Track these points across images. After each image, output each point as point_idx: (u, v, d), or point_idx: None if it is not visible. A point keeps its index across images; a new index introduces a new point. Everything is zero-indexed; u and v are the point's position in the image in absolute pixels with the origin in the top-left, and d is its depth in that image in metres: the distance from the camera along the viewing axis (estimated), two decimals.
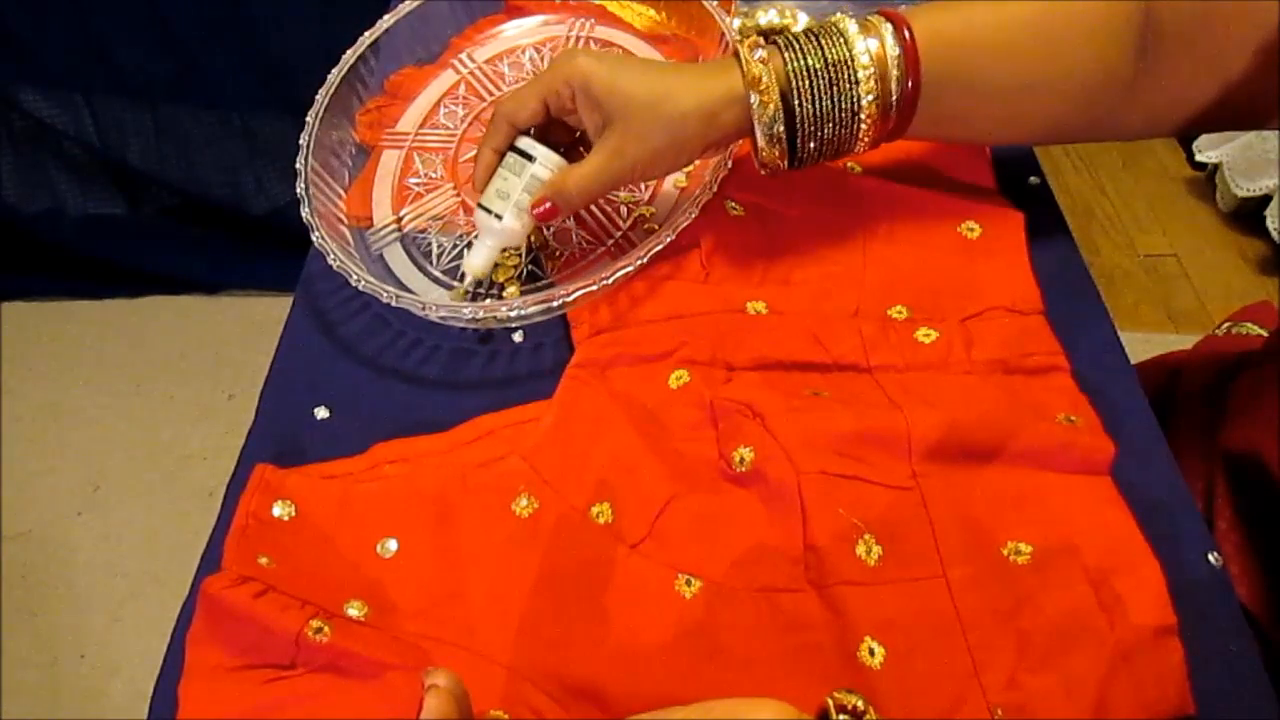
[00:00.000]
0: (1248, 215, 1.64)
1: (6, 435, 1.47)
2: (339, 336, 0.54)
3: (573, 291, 0.47)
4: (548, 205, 0.48)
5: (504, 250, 0.55)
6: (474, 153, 0.60)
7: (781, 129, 0.46)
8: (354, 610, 0.41)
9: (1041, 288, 0.51)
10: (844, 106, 0.46)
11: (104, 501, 1.40)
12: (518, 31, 0.67)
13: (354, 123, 0.62)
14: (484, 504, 0.44)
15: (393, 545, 0.44)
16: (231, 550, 0.43)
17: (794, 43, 0.46)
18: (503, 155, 0.50)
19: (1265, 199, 1.57)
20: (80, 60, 1.35)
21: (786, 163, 0.48)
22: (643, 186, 0.57)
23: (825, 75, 0.45)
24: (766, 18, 0.70)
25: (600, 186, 0.47)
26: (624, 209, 0.56)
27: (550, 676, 0.40)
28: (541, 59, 0.65)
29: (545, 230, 0.56)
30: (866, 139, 0.48)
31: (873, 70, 0.45)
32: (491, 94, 0.64)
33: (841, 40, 0.46)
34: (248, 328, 1.58)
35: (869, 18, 0.47)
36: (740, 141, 0.52)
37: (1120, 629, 0.38)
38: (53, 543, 1.36)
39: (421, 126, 0.63)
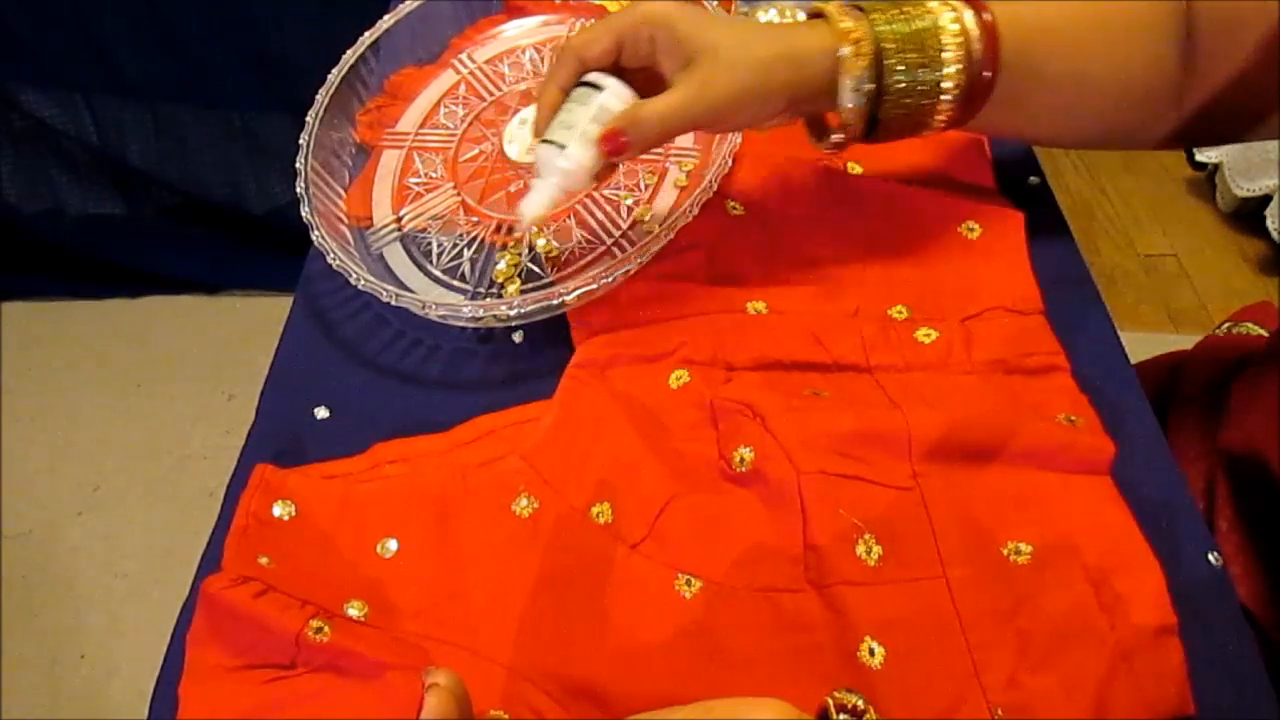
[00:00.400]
0: (1248, 215, 1.64)
1: (6, 435, 1.47)
2: (339, 336, 0.54)
3: (573, 291, 0.47)
4: (622, 138, 0.43)
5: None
6: (474, 152, 0.61)
7: (870, 87, 0.45)
8: (354, 610, 0.41)
9: (1041, 288, 0.51)
10: (929, 79, 0.45)
11: (104, 501, 1.40)
12: (518, 32, 0.67)
13: (354, 123, 0.62)
14: (484, 504, 0.44)
15: (393, 545, 0.44)
16: (231, 550, 0.43)
17: (879, 8, 0.45)
18: (568, 94, 0.46)
19: (1265, 199, 1.57)
20: (80, 60, 1.35)
21: (863, 130, 0.47)
22: (642, 185, 0.57)
23: (914, 42, 0.44)
24: (766, 18, 0.70)
25: (680, 122, 0.44)
26: (624, 209, 0.56)
27: (550, 676, 0.40)
28: (541, 59, 0.65)
29: (545, 229, 0.56)
30: (944, 117, 0.47)
31: (961, 40, 0.45)
32: (491, 94, 0.64)
33: (925, 11, 0.45)
34: (248, 328, 1.57)
35: None
36: (740, 140, 0.52)
37: (1120, 629, 0.38)
38: (53, 543, 1.36)
39: (421, 126, 0.63)
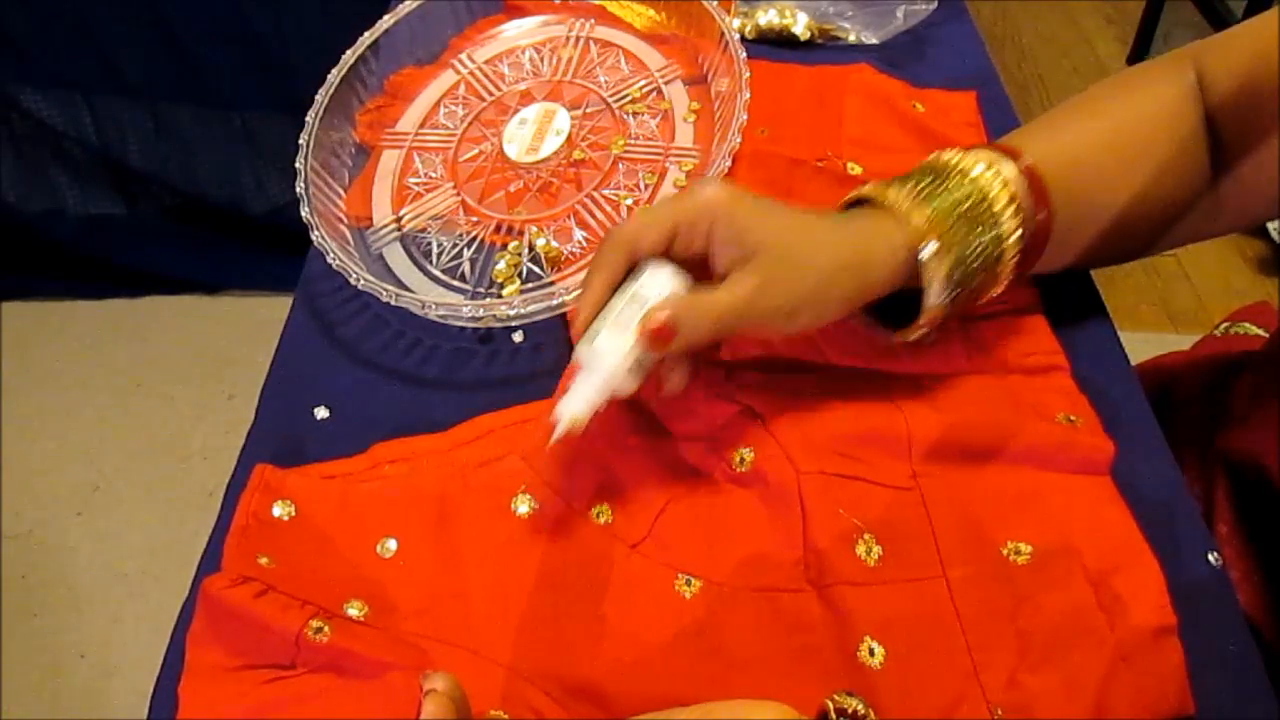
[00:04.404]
0: None
1: (6, 435, 1.47)
2: (339, 336, 0.54)
3: (573, 291, 0.47)
4: (671, 328, 0.38)
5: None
6: (474, 152, 0.60)
7: (959, 289, 0.42)
8: (354, 610, 0.41)
9: (1041, 288, 0.51)
10: (992, 244, 0.42)
11: (104, 501, 1.40)
12: (518, 32, 0.67)
13: (354, 123, 0.62)
14: (484, 504, 0.44)
15: (393, 545, 0.44)
16: (231, 550, 0.43)
17: (912, 182, 0.42)
18: (615, 290, 0.41)
19: None
20: (80, 60, 1.35)
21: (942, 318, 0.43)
22: (642, 185, 0.57)
23: (973, 212, 0.42)
24: (766, 18, 0.70)
25: (735, 322, 0.39)
26: (624, 209, 0.56)
27: (550, 676, 0.40)
28: (541, 59, 0.65)
29: (546, 229, 0.56)
30: (1003, 284, 0.45)
31: (1013, 204, 0.42)
32: (491, 94, 0.64)
33: (965, 178, 0.43)
34: (248, 328, 1.57)
35: (976, 150, 0.44)
36: (740, 140, 0.52)
37: (1120, 629, 0.38)
38: (53, 543, 1.36)
39: (421, 126, 0.63)
